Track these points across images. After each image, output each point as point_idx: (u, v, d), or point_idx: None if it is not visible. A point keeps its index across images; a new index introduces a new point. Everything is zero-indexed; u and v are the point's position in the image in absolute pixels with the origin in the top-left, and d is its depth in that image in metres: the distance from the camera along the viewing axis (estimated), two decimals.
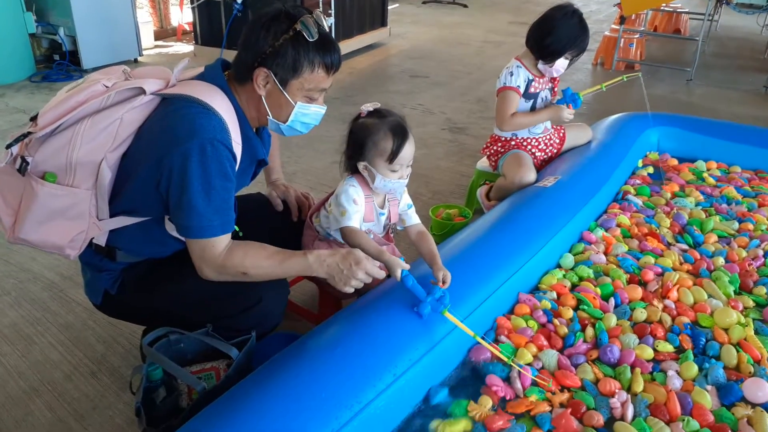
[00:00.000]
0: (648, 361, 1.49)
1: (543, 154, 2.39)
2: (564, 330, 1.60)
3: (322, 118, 1.45)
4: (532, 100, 2.31)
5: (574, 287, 1.80)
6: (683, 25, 6.35)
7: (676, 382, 1.41)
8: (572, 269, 1.89)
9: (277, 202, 1.78)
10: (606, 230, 2.11)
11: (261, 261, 1.32)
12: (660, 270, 1.87)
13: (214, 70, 1.38)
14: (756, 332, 1.59)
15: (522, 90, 2.25)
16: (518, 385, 1.40)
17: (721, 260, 1.95)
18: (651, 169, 2.63)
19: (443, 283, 1.44)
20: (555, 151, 2.43)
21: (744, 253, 2.00)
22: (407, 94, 4.33)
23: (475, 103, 4.15)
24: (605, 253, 1.98)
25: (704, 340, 1.55)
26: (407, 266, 1.41)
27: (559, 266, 1.90)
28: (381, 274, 1.36)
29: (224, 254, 1.30)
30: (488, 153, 2.45)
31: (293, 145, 3.32)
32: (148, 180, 1.28)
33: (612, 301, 1.72)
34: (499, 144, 2.38)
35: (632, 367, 1.47)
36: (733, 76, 5.05)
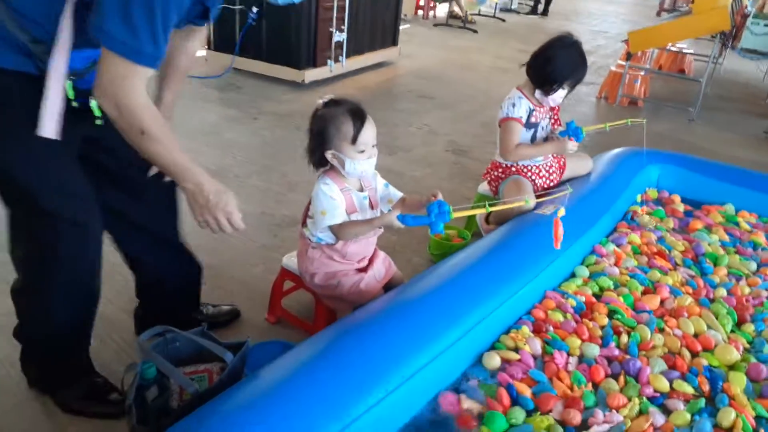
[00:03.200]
0: (656, 391, 1.53)
1: (543, 181, 2.42)
2: (599, 332, 1.73)
3: None
4: (533, 130, 2.35)
5: (597, 297, 1.93)
6: (688, 66, 6.44)
7: (658, 418, 1.43)
8: (591, 278, 2.01)
9: None
10: (618, 246, 2.22)
11: (167, 139, 1.24)
12: (669, 289, 1.97)
13: None
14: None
15: (524, 120, 2.29)
16: (566, 367, 1.58)
17: (723, 291, 1.99)
18: (682, 207, 2.65)
19: (434, 197, 1.54)
20: (555, 179, 2.46)
21: (747, 290, 2.03)
22: (413, 113, 4.38)
23: (479, 127, 4.20)
24: (616, 266, 2.10)
25: (721, 385, 1.56)
26: (397, 211, 1.53)
27: (573, 275, 2.03)
28: (241, 225, 1.35)
29: (143, 95, 1.19)
30: (489, 178, 2.48)
31: (299, 156, 3.35)
32: None
33: (645, 315, 1.81)
34: (500, 170, 2.42)
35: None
36: (735, 119, 5.12)
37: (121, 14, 1.10)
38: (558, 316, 1.77)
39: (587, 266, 2.10)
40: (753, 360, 1.67)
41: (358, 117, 1.56)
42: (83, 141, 1.38)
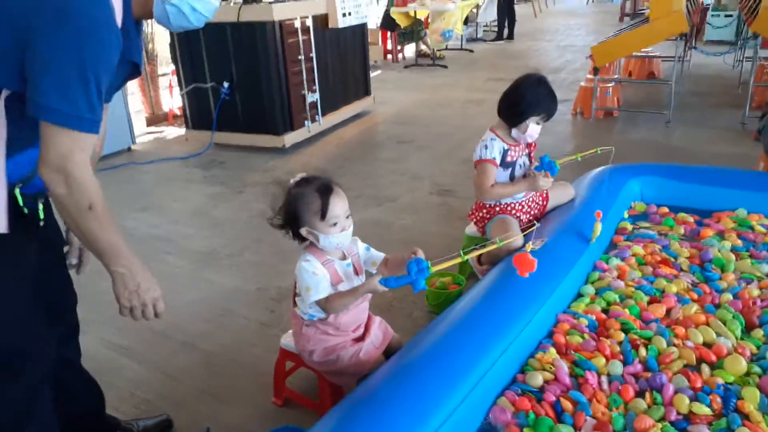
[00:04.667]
0: (678, 413, 1.53)
1: (528, 216, 2.44)
2: (617, 348, 1.75)
3: (213, 13, 1.36)
4: (510, 169, 2.38)
5: (605, 312, 1.96)
6: (656, 68, 6.56)
7: None
8: (597, 294, 2.05)
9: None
10: (622, 260, 2.26)
11: (108, 217, 1.21)
12: (676, 298, 1.99)
13: None
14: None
15: (498, 161, 2.33)
16: (600, 387, 1.62)
17: (728, 296, 1.99)
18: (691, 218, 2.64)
19: (413, 254, 1.59)
20: (539, 211, 2.48)
21: (756, 293, 2.01)
22: (395, 160, 4.44)
23: (460, 164, 4.25)
24: (620, 279, 2.13)
25: (734, 403, 1.54)
26: (379, 275, 1.58)
27: (580, 295, 2.06)
28: (162, 313, 1.34)
29: (90, 168, 1.18)
30: (475, 219, 2.51)
31: None
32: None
33: (654, 325, 1.85)
34: (485, 210, 2.44)
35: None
36: (710, 114, 5.19)
37: (58, 87, 1.12)
38: (576, 338, 1.80)
39: (592, 283, 2.14)
40: (758, 368, 1.66)
41: (326, 193, 1.61)
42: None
